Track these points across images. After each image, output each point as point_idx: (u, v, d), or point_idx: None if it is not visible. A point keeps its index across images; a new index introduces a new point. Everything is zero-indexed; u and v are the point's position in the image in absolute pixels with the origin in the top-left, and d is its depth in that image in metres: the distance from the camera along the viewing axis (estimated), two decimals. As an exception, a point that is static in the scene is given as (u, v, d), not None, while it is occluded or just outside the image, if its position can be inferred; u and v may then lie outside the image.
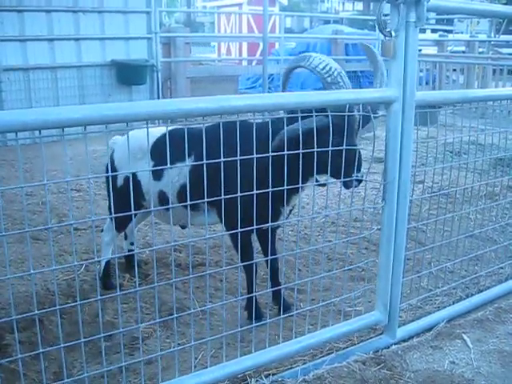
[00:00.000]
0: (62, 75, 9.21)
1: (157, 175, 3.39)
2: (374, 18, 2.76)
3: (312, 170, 2.72)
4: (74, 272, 4.02)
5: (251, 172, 2.58)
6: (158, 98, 10.05)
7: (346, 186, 2.95)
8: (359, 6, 46.85)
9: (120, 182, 3.57)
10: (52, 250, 2.88)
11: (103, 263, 3.94)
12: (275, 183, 2.61)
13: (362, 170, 2.96)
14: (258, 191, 2.59)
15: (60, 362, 2.92)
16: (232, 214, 2.63)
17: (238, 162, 2.46)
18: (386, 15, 2.69)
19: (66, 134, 2.04)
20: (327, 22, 25.32)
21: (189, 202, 2.43)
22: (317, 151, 2.62)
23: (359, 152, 2.95)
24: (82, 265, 4.16)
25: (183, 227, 3.89)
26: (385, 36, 2.69)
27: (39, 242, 4.62)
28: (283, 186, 2.63)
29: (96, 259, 2.54)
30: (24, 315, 2.35)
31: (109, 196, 3.75)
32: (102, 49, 9.58)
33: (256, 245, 3.59)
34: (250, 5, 18.10)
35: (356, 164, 2.87)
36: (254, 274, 3.38)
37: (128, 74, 9.67)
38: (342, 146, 2.77)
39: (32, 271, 2.13)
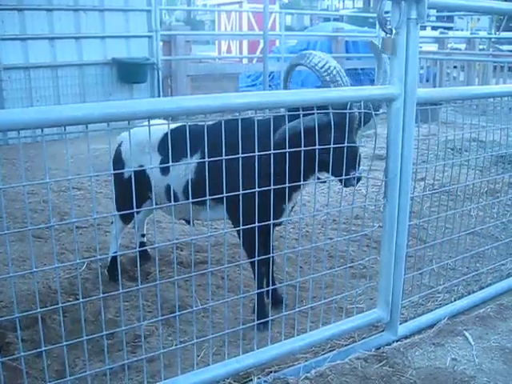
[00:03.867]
0: (63, 74, 9.21)
1: (164, 170, 3.43)
2: (375, 15, 2.76)
3: (312, 167, 2.72)
4: (75, 270, 4.02)
5: (254, 168, 2.60)
6: (159, 96, 10.05)
7: (346, 184, 2.95)
8: (359, 4, 46.84)
9: (127, 173, 3.57)
10: (55, 249, 2.87)
11: (110, 255, 4.00)
12: (277, 180, 2.62)
13: (361, 167, 2.96)
14: (260, 189, 2.59)
15: (62, 359, 2.93)
16: (237, 211, 2.63)
17: (241, 158, 2.47)
18: (386, 12, 2.69)
19: (68, 133, 2.05)
20: (327, 19, 25.24)
21: (191, 200, 2.44)
22: (317, 149, 2.62)
23: (358, 150, 2.96)
24: (84, 263, 4.16)
25: (188, 222, 3.89)
26: (386, 33, 2.69)
27: (40, 241, 4.63)
28: (284, 183, 2.64)
29: (98, 257, 2.54)
30: (27, 313, 2.35)
31: (115, 187, 3.76)
32: (102, 47, 9.58)
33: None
34: (251, 3, 18.07)
35: (356, 162, 2.87)
36: (260, 268, 3.38)
37: (129, 73, 9.67)
38: (342, 143, 2.78)
39: (34, 269, 2.13)
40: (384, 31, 2.68)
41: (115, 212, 3.88)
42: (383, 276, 3.07)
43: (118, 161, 3.71)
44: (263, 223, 2.71)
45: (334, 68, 2.86)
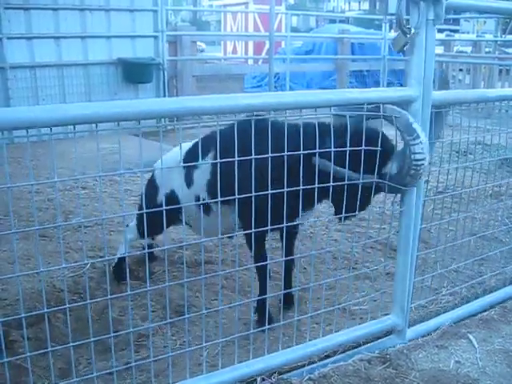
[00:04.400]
0: (69, 73, 9.23)
1: (189, 182, 3.46)
2: (381, 17, 2.74)
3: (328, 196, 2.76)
4: (80, 269, 4.03)
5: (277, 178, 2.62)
6: (164, 96, 10.05)
7: (340, 219, 2.95)
8: (365, 6, 46.79)
9: (160, 198, 3.58)
10: (61, 248, 2.88)
11: (118, 256, 4.00)
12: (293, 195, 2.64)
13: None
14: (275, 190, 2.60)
15: (66, 358, 2.94)
16: (255, 216, 2.63)
17: (253, 167, 2.48)
18: (391, 14, 2.66)
19: (77, 132, 2.05)
20: (333, 21, 25.29)
21: (201, 201, 2.44)
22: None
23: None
24: (89, 262, 4.17)
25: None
26: (405, 34, 2.62)
27: (45, 239, 4.64)
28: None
29: (106, 258, 2.56)
30: (33, 313, 2.36)
31: (141, 204, 3.79)
32: (108, 47, 9.59)
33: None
34: (256, 3, 18.10)
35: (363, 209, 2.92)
36: (267, 275, 3.38)
37: (134, 73, 9.68)
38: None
39: (42, 269, 2.14)
40: (403, 32, 2.62)
41: (134, 224, 3.94)
42: (399, 282, 3.04)
43: (152, 187, 3.74)
44: (271, 227, 2.69)
45: (423, 167, 2.64)
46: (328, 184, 2.68)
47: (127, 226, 4.08)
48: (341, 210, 2.81)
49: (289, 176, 2.60)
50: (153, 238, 4.20)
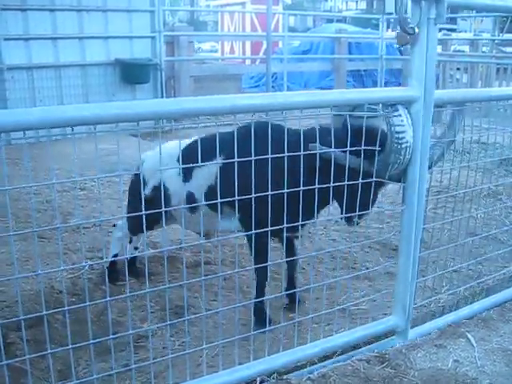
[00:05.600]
0: (66, 74, 9.22)
1: (186, 177, 3.42)
2: (378, 16, 2.74)
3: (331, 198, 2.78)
4: (78, 270, 4.03)
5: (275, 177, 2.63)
6: (162, 96, 10.05)
7: (349, 222, 2.99)
8: (362, 5, 46.81)
9: (148, 191, 3.59)
10: (60, 250, 2.88)
11: (110, 257, 3.99)
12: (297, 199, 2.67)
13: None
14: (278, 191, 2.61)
15: (64, 360, 2.93)
16: (257, 220, 2.64)
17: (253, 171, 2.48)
18: (389, 14, 2.66)
19: (75, 133, 2.05)
20: (330, 20, 25.26)
21: (198, 203, 2.43)
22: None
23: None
24: (87, 264, 4.16)
25: (206, 235, 3.74)
26: (408, 34, 2.61)
27: (44, 241, 4.63)
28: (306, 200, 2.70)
29: (104, 259, 2.55)
30: (32, 315, 2.35)
31: (130, 200, 3.78)
32: (105, 48, 9.59)
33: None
34: (254, 3, 18.08)
35: (367, 209, 2.92)
36: (266, 278, 3.37)
37: (132, 73, 9.67)
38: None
39: (40, 271, 2.14)
40: (406, 32, 2.60)
41: (124, 221, 3.92)
42: (400, 282, 3.03)
43: (139, 180, 3.66)
44: (272, 228, 2.69)
45: (404, 141, 2.67)
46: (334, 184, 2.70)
47: (114, 225, 4.07)
48: (348, 207, 2.84)
49: (301, 179, 2.65)
50: (131, 241, 4.18)
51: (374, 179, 2.75)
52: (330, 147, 2.72)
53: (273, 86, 11.02)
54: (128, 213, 3.82)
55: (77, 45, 9.31)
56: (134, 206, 3.66)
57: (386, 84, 13.09)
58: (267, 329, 3.01)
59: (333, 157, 2.73)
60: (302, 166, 2.59)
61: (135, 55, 9.83)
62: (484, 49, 14.99)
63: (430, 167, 2.91)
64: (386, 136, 2.70)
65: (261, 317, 3.35)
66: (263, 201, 2.56)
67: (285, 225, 2.63)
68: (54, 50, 9.10)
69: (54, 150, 5.86)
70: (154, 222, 3.34)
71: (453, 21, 28.28)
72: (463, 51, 16.53)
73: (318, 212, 3.13)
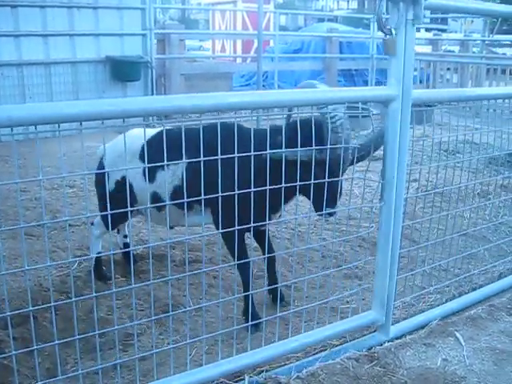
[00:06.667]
0: (56, 71, 9.17)
1: (149, 177, 3.38)
2: (369, 16, 2.78)
3: (295, 191, 2.79)
4: (67, 268, 4.01)
5: (241, 173, 2.68)
6: (152, 94, 10.01)
7: (320, 214, 3.03)
8: (354, 5, 46.90)
9: (111, 185, 3.58)
10: (47, 247, 2.86)
11: (94, 256, 3.98)
12: (261, 194, 2.67)
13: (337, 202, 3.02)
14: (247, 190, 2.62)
15: (52, 357, 2.91)
16: (223, 215, 2.65)
17: (220, 165, 2.48)
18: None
19: (62, 130, 2.04)
20: (322, 20, 25.24)
21: (165, 203, 2.42)
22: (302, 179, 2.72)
23: (340, 185, 3.03)
24: (76, 261, 4.15)
25: (171, 227, 3.88)
26: (385, 34, 2.68)
27: (32, 238, 4.61)
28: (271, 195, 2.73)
29: (91, 256, 2.54)
30: (18, 312, 2.34)
31: (99, 196, 3.79)
32: (96, 45, 9.54)
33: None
34: (245, 2, 18.05)
35: (334, 198, 2.96)
36: (250, 273, 3.37)
37: (122, 71, 9.63)
38: (325, 178, 2.85)
39: (26, 267, 2.12)
40: (383, 32, 2.68)
41: (99, 218, 3.92)
42: (379, 278, 3.07)
43: (102, 174, 3.55)
44: (243, 226, 2.75)
45: (338, 119, 2.82)
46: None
47: (92, 224, 4.06)
48: (317, 200, 2.90)
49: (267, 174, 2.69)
50: (118, 231, 4.29)
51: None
52: (281, 145, 2.72)
53: (264, 85, 11.00)
54: (99, 206, 3.87)
55: (67, 42, 9.26)
56: (103, 201, 3.73)
57: (377, 83, 13.10)
58: (250, 323, 3.07)
59: (283, 156, 2.75)
60: (252, 165, 2.59)
61: (126, 53, 9.79)
62: (474, 49, 15.06)
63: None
64: (320, 122, 2.82)
65: (250, 314, 3.35)
66: (229, 198, 2.62)
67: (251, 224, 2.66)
68: (44, 46, 9.05)
69: (44, 147, 5.82)
70: (122, 217, 3.48)
71: (444, 21, 28.40)
72: (453, 51, 16.61)
73: (282, 206, 3.26)
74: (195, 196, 2.54)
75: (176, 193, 3.33)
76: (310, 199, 3.01)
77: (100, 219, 3.94)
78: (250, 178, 2.58)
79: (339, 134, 2.82)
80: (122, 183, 3.48)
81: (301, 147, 2.69)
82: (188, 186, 2.63)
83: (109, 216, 2.40)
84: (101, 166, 3.77)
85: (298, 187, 2.71)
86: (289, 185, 2.71)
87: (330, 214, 3.01)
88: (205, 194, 2.49)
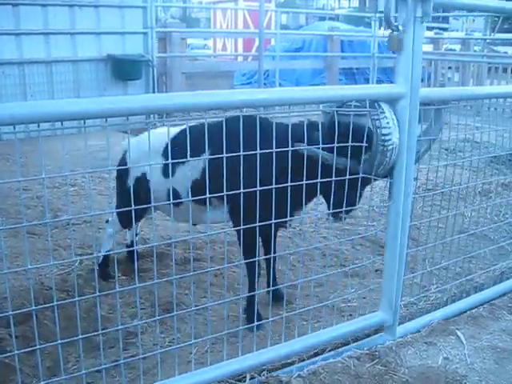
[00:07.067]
0: (58, 69, 9.17)
1: (167, 172, 3.32)
2: (370, 15, 2.77)
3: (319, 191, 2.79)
4: (68, 267, 4.02)
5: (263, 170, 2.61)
6: (154, 93, 10.00)
7: (336, 218, 3.01)
8: (355, 3, 46.82)
9: (131, 181, 3.56)
10: (50, 245, 2.86)
11: (102, 254, 3.98)
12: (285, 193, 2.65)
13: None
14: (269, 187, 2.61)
15: (54, 356, 2.92)
16: (245, 213, 2.64)
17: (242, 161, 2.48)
18: (382, 12, 2.68)
19: (65, 128, 2.04)
20: (323, 18, 25.24)
21: (184, 199, 2.42)
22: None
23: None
24: (77, 260, 4.15)
25: (194, 225, 3.83)
26: (392, 31, 2.66)
27: (34, 237, 4.61)
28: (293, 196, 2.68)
29: (94, 255, 2.54)
30: (21, 311, 2.34)
31: (117, 193, 3.78)
32: (97, 43, 9.54)
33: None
34: (246, 1, 18.07)
35: (355, 202, 2.93)
36: (256, 273, 3.36)
37: (123, 69, 9.63)
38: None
39: (29, 266, 2.12)
40: (391, 29, 2.65)
41: (115, 216, 3.90)
42: (387, 278, 3.04)
43: (124, 170, 3.63)
44: (263, 223, 2.69)
45: (390, 143, 2.70)
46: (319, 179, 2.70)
47: (107, 221, 4.06)
48: (335, 203, 2.86)
49: (288, 172, 2.62)
50: (129, 229, 4.21)
51: (361, 175, 2.76)
52: (317, 143, 2.71)
53: (265, 84, 11.00)
54: (117, 203, 3.86)
55: (68, 40, 9.26)
56: (122, 198, 3.77)
57: (378, 82, 13.09)
58: (256, 323, 3.03)
59: (320, 156, 2.73)
60: (289, 161, 2.57)
61: (127, 51, 9.78)
62: (475, 48, 15.05)
63: (415, 162, 2.94)
64: (372, 136, 2.70)
65: (252, 312, 3.35)
66: (252, 195, 2.55)
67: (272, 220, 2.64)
68: (45, 45, 9.05)
69: (45, 146, 5.82)
70: (139, 215, 3.50)
71: (445, 20, 28.36)
72: (455, 50, 16.60)
73: (304, 206, 3.15)
74: (215, 192, 2.52)
75: (196, 188, 3.29)
76: (328, 200, 2.99)
77: (116, 217, 3.92)
78: (277, 173, 2.58)
79: (387, 158, 2.73)
80: (141, 179, 3.49)
81: (343, 154, 2.66)
82: (211, 181, 2.58)
83: (132, 212, 2.37)
84: (123, 161, 3.75)
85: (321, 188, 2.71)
86: (318, 181, 2.69)
87: (347, 212, 2.95)
88: (226, 190, 2.49)
